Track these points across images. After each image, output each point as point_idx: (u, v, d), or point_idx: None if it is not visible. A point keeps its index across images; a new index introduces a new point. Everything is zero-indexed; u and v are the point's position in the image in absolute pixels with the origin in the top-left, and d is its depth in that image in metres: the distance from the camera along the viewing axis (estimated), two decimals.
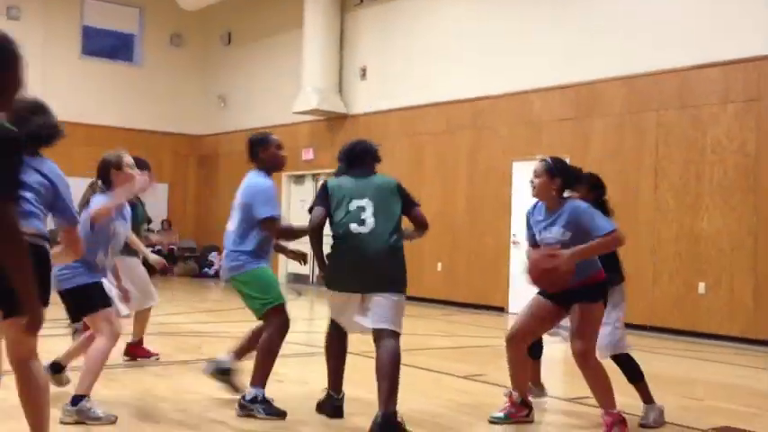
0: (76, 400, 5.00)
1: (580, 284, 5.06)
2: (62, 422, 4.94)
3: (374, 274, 4.99)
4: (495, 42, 13.74)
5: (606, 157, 11.87)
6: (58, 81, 19.01)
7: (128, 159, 5.51)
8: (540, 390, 6.11)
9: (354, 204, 5.09)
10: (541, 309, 5.27)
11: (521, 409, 5.44)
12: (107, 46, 20.44)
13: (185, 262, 19.98)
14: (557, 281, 4.97)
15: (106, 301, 5.30)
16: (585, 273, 5.08)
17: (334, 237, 5.11)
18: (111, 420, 5.03)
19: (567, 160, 12.14)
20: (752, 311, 10.34)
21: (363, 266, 5.00)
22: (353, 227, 5.03)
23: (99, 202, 5.27)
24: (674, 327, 10.99)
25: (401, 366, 4.91)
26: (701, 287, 10.77)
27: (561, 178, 5.18)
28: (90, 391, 5.08)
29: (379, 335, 4.98)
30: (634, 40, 11.78)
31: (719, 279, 10.64)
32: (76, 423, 4.95)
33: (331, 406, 5.41)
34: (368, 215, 5.05)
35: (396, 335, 4.98)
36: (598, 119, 12.21)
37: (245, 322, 8.69)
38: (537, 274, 4.99)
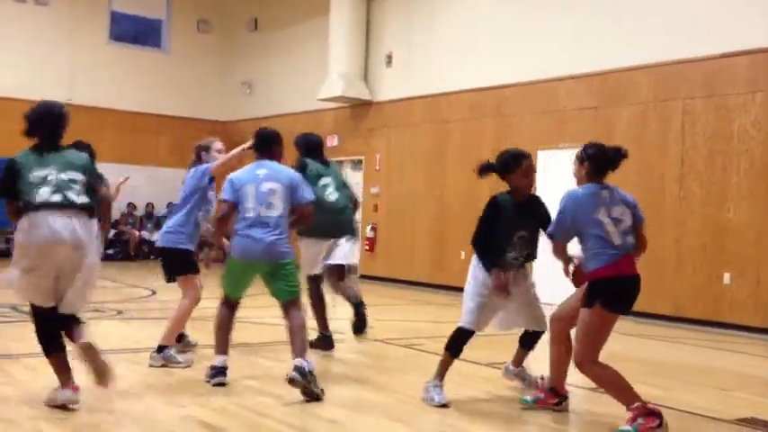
0: (161, 348, 6.36)
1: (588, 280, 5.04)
2: (151, 366, 6.28)
3: (345, 225, 7.34)
4: (520, 30, 13.67)
5: (631, 146, 11.65)
6: (86, 66, 19.16)
7: (217, 145, 6.92)
8: (522, 376, 6.10)
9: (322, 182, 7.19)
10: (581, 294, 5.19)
11: (550, 397, 5.41)
12: (134, 31, 20.53)
13: (209, 248, 20.08)
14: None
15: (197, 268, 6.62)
16: (587, 268, 5.02)
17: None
18: (189, 364, 6.35)
19: None
20: None
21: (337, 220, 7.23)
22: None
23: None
24: (699, 317, 10.93)
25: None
26: (726, 278, 10.70)
27: (590, 163, 5.12)
28: (173, 342, 6.47)
29: (340, 270, 7.27)
30: (661, 28, 11.68)
31: (745, 270, 10.57)
32: (162, 366, 6.27)
33: (325, 341, 7.39)
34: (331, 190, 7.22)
35: (344, 266, 7.31)
36: (623, 107, 12.13)
37: (268, 308, 8.77)
38: None
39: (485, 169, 5.54)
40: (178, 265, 6.57)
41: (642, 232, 5.18)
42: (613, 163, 5.16)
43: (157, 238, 6.20)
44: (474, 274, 5.64)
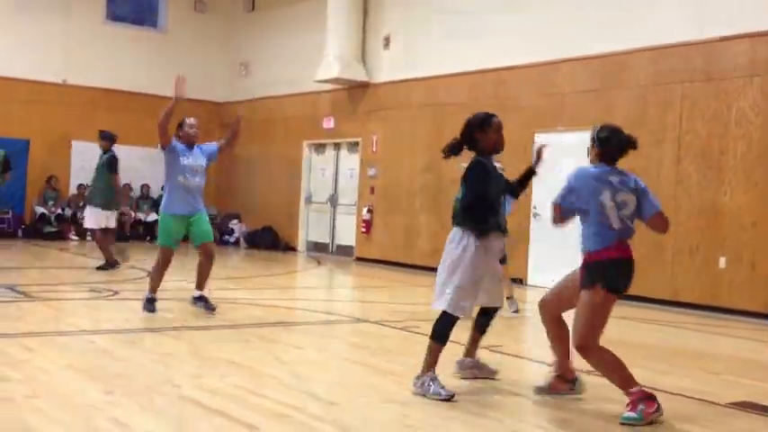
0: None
1: (584, 261, 4.99)
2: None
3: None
4: (519, 12, 13.61)
5: (629, 129, 11.66)
6: (82, 46, 19.05)
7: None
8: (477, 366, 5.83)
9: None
10: (573, 281, 5.13)
11: (560, 383, 5.35)
12: (131, 11, 20.39)
13: None
14: None
15: None
16: (585, 248, 4.98)
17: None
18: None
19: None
20: None
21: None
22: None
23: None
24: (695, 301, 10.95)
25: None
26: (722, 262, 10.72)
27: (599, 148, 5.11)
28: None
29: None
30: (660, 11, 11.64)
31: (740, 254, 10.58)
32: None
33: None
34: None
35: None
36: (622, 90, 12.10)
37: (263, 289, 8.79)
38: None
39: (455, 147, 5.41)
40: None
41: (656, 222, 5.14)
42: (621, 151, 5.16)
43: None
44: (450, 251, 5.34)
